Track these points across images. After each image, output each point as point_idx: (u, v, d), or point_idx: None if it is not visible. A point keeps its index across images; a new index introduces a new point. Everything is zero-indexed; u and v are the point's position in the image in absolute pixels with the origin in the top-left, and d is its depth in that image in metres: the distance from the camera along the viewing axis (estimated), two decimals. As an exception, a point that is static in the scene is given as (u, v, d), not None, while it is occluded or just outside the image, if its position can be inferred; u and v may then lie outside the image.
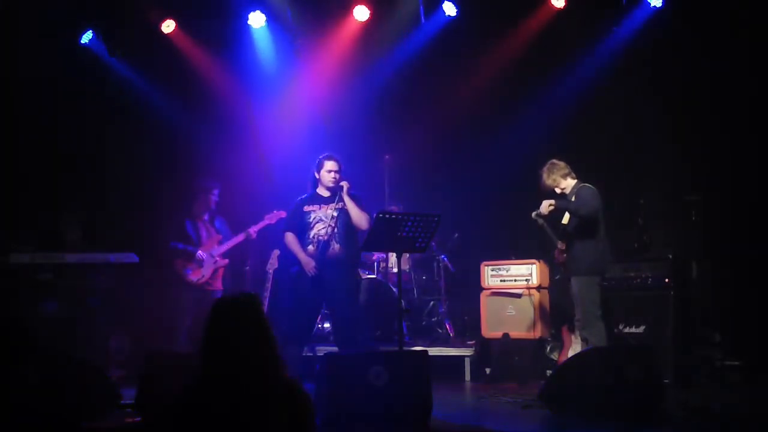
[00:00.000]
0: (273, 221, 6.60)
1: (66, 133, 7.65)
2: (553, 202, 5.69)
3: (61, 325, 5.90)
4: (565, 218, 5.74)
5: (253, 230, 6.61)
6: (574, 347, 5.84)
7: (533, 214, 5.75)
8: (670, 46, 7.11)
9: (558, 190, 5.88)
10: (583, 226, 5.67)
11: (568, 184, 5.87)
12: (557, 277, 6.77)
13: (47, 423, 4.15)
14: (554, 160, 5.91)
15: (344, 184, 5.46)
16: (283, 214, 6.51)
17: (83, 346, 5.91)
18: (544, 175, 5.88)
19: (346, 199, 5.42)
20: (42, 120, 7.48)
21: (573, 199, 5.74)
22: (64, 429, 4.23)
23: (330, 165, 5.53)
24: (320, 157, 5.61)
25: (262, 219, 6.64)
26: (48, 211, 7.10)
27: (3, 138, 7.13)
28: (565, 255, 5.80)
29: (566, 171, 5.87)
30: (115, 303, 6.40)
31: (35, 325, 5.68)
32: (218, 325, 2.57)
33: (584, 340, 5.70)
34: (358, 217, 5.43)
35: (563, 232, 5.79)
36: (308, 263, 5.39)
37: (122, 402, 4.82)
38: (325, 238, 5.40)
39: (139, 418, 4.54)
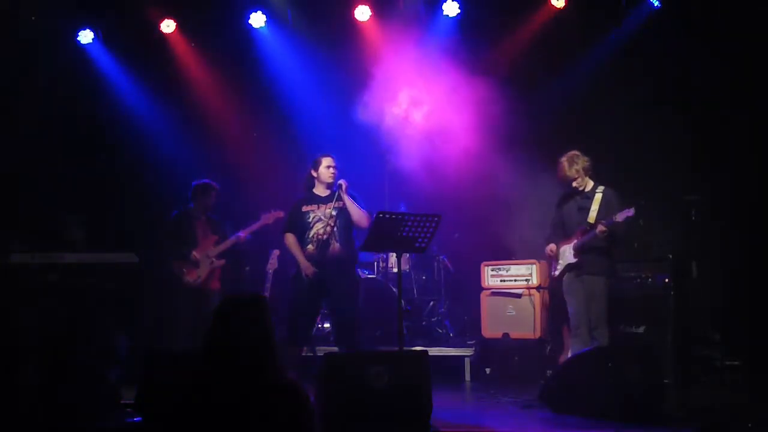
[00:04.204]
0: (270, 221, 6.56)
1: (66, 133, 7.66)
2: (605, 230, 5.50)
3: (61, 325, 5.89)
4: (591, 217, 5.68)
5: (243, 234, 6.58)
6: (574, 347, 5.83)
7: (598, 230, 5.52)
8: (669, 46, 7.11)
9: (574, 184, 5.79)
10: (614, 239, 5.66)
11: (586, 182, 5.81)
12: (552, 273, 6.71)
13: (47, 423, 4.15)
14: (577, 152, 5.79)
15: (342, 182, 5.46)
16: (280, 214, 6.49)
17: (83, 346, 5.90)
18: (566, 165, 5.76)
19: (345, 197, 5.43)
20: (42, 120, 7.48)
21: (597, 203, 5.66)
22: (64, 429, 4.23)
23: (328, 161, 5.56)
24: (316, 155, 5.63)
25: (258, 219, 6.63)
26: (48, 211, 7.10)
27: (3, 138, 7.14)
28: (571, 252, 5.77)
29: (588, 165, 5.77)
30: (115, 303, 6.39)
31: (35, 325, 5.67)
32: (222, 324, 2.58)
33: (578, 341, 5.68)
34: (359, 216, 5.43)
35: (582, 228, 5.73)
36: (307, 267, 5.38)
37: (122, 402, 4.81)
38: (325, 237, 5.40)
39: (139, 418, 4.54)
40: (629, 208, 5.38)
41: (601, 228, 5.51)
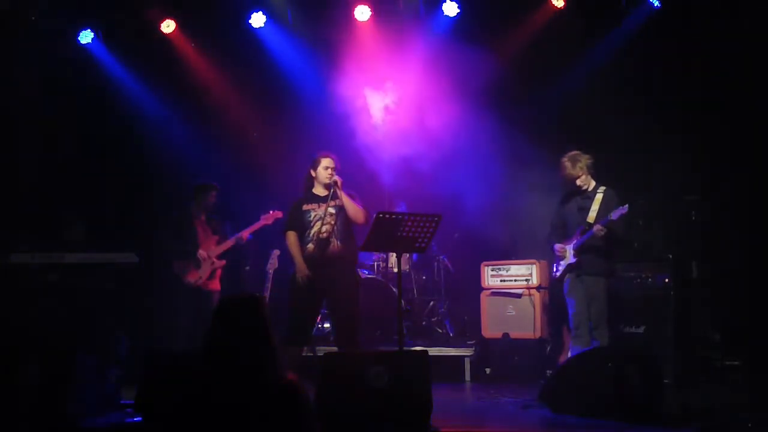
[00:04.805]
0: (269, 222, 6.60)
1: (66, 133, 7.66)
2: (602, 229, 5.58)
3: (61, 325, 5.89)
4: (591, 217, 5.69)
5: (245, 234, 6.61)
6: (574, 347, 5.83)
7: (595, 229, 5.59)
8: (669, 46, 7.11)
9: (578, 182, 5.82)
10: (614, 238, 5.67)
11: (588, 181, 5.84)
12: (553, 273, 6.70)
13: (47, 423, 4.15)
14: (578, 152, 5.84)
15: (337, 179, 5.45)
16: (279, 214, 6.51)
17: (83, 346, 5.90)
18: (569, 165, 5.81)
19: (341, 194, 5.42)
20: (42, 120, 7.48)
21: (598, 203, 5.68)
22: (64, 429, 4.23)
23: (326, 162, 5.55)
24: (316, 155, 5.62)
25: (257, 219, 6.64)
26: (48, 211, 7.10)
27: (3, 138, 7.14)
28: (571, 252, 5.77)
29: (590, 164, 5.83)
30: (115, 303, 6.40)
31: (35, 325, 5.67)
32: (221, 324, 2.58)
33: (578, 342, 5.68)
34: (355, 212, 5.43)
35: (581, 228, 5.73)
36: (302, 270, 5.37)
37: (122, 402, 4.82)
38: (326, 236, 5.39)
39: (139, 418, 4.54)
40: (623, 206, 5.44)
41: (598, 227, 5.53)
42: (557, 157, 5.96)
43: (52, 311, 5.79)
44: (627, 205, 5.46)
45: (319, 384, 4.39)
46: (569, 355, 5.84)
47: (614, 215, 5.46)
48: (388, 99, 7.65)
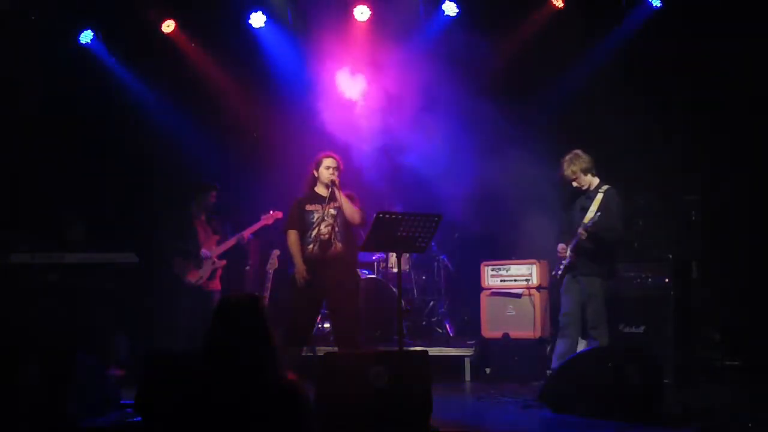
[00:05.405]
0: (270, 222, 6.61)
1: (65, 133, 7.66)
2: (583, 233, 5.56)
3: (61, 325, 5.90)
4: (587, 218, 5.67)
5: (246, 233, 6.62)
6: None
7: (579, 232, 5.58)
8: (669, 46, 7.11)
9: (574, 184, 5.78)
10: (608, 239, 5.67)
11: (588, 181, 5.77)
12: (553, 273, 6.69)
13: (47, 423, 4.15)
14: (578, 152, 5.78)
15: (335, 180, 5.45)
16: (279, 214, 6.52)
17: (83, 346, 5.91)
18: (565, 165, 5.77)
19: (339, 195, 5.42)
20: (42, 120, 7.48)
21: (597, 203, 5.63)
22: (64, 429, 4.23)
23: (328, 162, 5.54)
24: (319, 155, 5.62)
25: (258, 219, 6.65)
26: (48, 211, 7.10)
27: (3, 138, 7.14)
28: (568, 253, 5.77)
29: (588, 166, 5.75)
30: (115, 303, 6.41)
31: (35, 325, 5.68)
32: (221, 325, 2.58)
33: (565, 342, 5.69)
34: (351, 212, 5.44)
35: (578, 230, 5.72)
36: (300, 272, 5.37)
37: (122, 402, 4.82)
38: (327, 236, 5.39)
39: (139, 418, 4.54)
40: (596, 214, 5.50)
41: (580, 230, 5.54)
42: (557, 157, 5.95)
43: (52, 311, 5.79)
44: (599, 214, 5.44)
45: (319, 384, 4.39)
46: (554, 352, 5.84)
47: (589, 222, 5.48)
48: (388, 99, 7.64)
